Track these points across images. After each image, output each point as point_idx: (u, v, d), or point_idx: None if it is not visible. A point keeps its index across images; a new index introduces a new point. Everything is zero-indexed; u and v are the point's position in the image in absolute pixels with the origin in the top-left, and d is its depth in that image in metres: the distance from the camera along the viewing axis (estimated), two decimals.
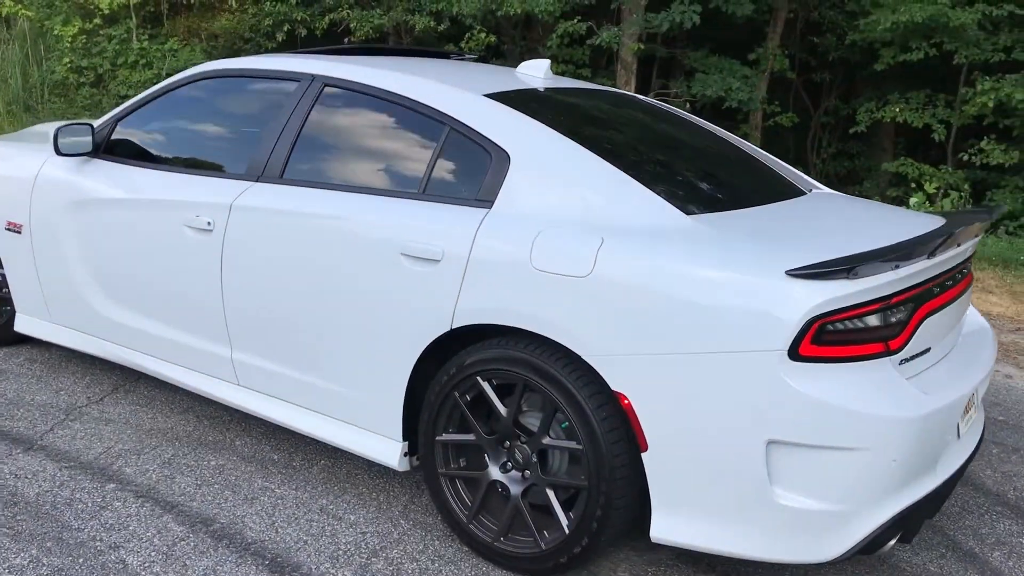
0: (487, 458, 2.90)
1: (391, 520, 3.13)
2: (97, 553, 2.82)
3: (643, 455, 2.58)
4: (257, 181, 3.37)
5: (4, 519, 2.97)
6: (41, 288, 4.06)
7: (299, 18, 11.97)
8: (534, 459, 2.80)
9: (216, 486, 3.28)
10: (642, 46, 11.96)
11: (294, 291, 3.19)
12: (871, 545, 2.53)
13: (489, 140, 2.96)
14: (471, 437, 2.91)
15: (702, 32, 11.86)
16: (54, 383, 4.12)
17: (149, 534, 2.94)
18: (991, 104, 9.30)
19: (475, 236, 2.80)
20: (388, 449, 3.10)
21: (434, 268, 2.87)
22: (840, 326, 2.41)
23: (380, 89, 3.25)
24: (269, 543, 2.93)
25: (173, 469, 3.38)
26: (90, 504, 3.10)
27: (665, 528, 2.61)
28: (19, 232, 4.05)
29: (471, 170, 2.98)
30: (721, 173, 3.42)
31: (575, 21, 11.51)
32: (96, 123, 3.93)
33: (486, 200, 2.90)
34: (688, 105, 13.30)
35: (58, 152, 3.74)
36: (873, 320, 2.47)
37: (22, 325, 4.21)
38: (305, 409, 3.30)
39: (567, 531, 2.72)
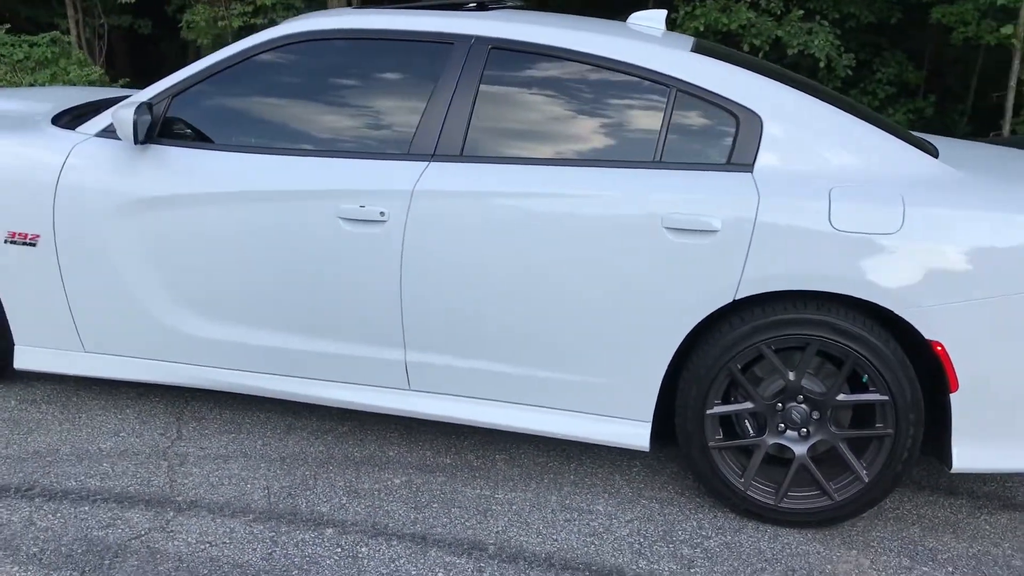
0: (762, 424, 2.90)
1: (643, 503, 3.02)
2: None
3: (952, 395, 2.76)
4: (432, 160, 2.96)
5: None
6: (72, 313, 3.21)
7: None
8: (814, 417, 2.86)
9: (435, 505, 2.92)
10: None
11: (513, 281, 2.89)
12: None
13: (732, 102, 2.87)
14: (749, 405, 2.88)
15: None
16: (99, 426, 3.31)
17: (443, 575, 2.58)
18: None
19: (758, 201, 2.74)
20: (637, 432, 2.97)
21: (710, 239, 2.76)
22: None
23: (571, 51, 2.98)
24: (562, 552, 2.71)
25: (368, 497, 2.94)
26: (336, 556, 2.63)
27: (967, 458, 2.81)
28: (32, 245, 3.14)
29: (713, 134, 2.87)
30: (881, 125, 3.48)
31: None
32: (134, 97, 3.14)
33: (742, 164, 2.83)
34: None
35: (136, 140, 2.95)
36: None
37: (27, 361, 3.31)
38: (532, 407, 3.02)
39: (866, 480, 2.84)
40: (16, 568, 2.47)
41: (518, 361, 2.98)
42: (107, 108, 3.56)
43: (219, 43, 13.58)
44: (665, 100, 2.91)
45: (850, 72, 12.56)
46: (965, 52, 13.78)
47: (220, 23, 13.01)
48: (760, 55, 11.79)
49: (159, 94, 3.14)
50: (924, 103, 13.86)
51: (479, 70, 3.01)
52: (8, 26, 12.76)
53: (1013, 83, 12.04)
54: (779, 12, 13.24)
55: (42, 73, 12.51)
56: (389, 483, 3.06)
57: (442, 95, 3.00)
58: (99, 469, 3.02)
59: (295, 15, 12.88)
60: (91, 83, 12.68)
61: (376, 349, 3.07)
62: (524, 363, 2.98)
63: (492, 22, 3.08)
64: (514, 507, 2.95)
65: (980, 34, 12.19)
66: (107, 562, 2.53)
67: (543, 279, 2.88)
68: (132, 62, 15.13)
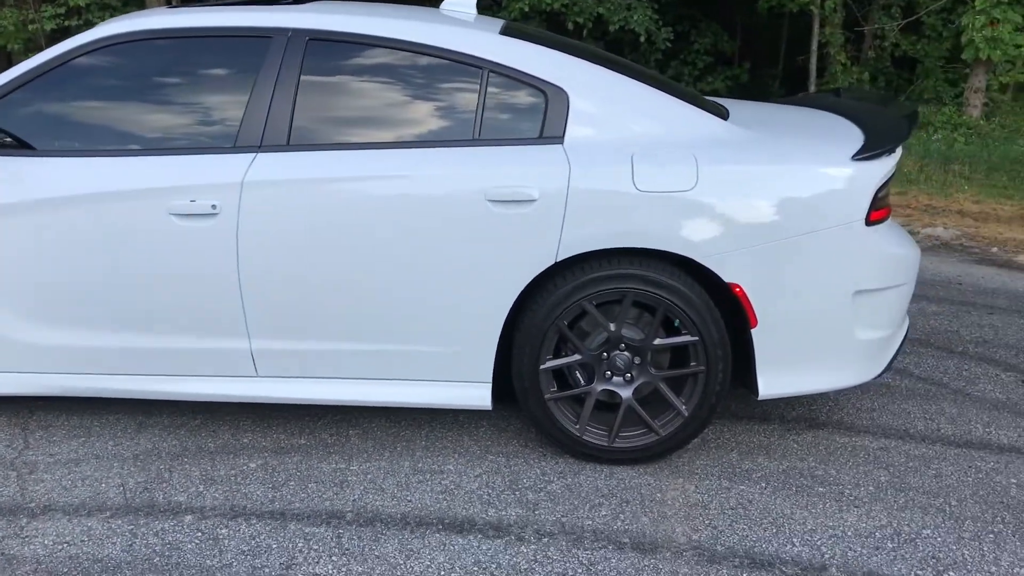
0: (591, 373, 3.16)
1: (490, 458, 3.23)
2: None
3: (752, 331, 3.09)
4: (260, 151, 3.05)
5: None
6: None
7: None
8: (636, 362, 3.14)
9: (292, 483, 3.04)
10: None
11: (350, 262, 3.02)
12: (889, 365, 3.35)
13: (540, 79, 3.09)
14: (577, 357, 3.13)
15: None
16: None
17: (313, 548, 2.71)
18: None
19: (569, 170, 2.97)
20: (480, 394, 3.17)
21: (530, 208, 2.98)
22: (880, 194, 3.13)
23: (386, 39, 3.13)
24: (416, 511, 2.88)
25: (224, 483, 3.03)
26: (197, 539, 2.71)
27: (770, 385, 3.16)
28: None
29: (525, 110, 3.09)
30: (676, 93, 3.77)
31: None
32: None
33: (553, 137, 3.06)
34: None
35: None
36: (884, 189, 3.23)
37: None
38: (377, 380, 3.17)
39: (686, 414, 3.14)
40: None
41: (359, 338, 3.13)
42: None
43: (31, 47, 12.95)
44: (478, 81, 3.11)
45: (669, 44, 13.20)
46: (773, 20, 14.69)
47: (31, 26, 12.41)
48: (584, 32, 12.24)
49: None
50: (739, 70, 14.70)
51: (299, 62, 3.12)
52: None
53: (815, 47, 12.96)
54: None
55: None
56: (245, 468, 3.15)
57: (264, 88, 3.10)
58: None
59: (112, 16, 12.43)
60: None
61: (221, 340, 3.15)
62: (365, 340, 3.13)
63: (308, 14, 3.19)
64: (369, 476, 3.11)
65: (783, 2, 13.05)
66: None
67: (376, 258, 3.03)
68: None
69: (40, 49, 12.74)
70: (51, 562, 2.60)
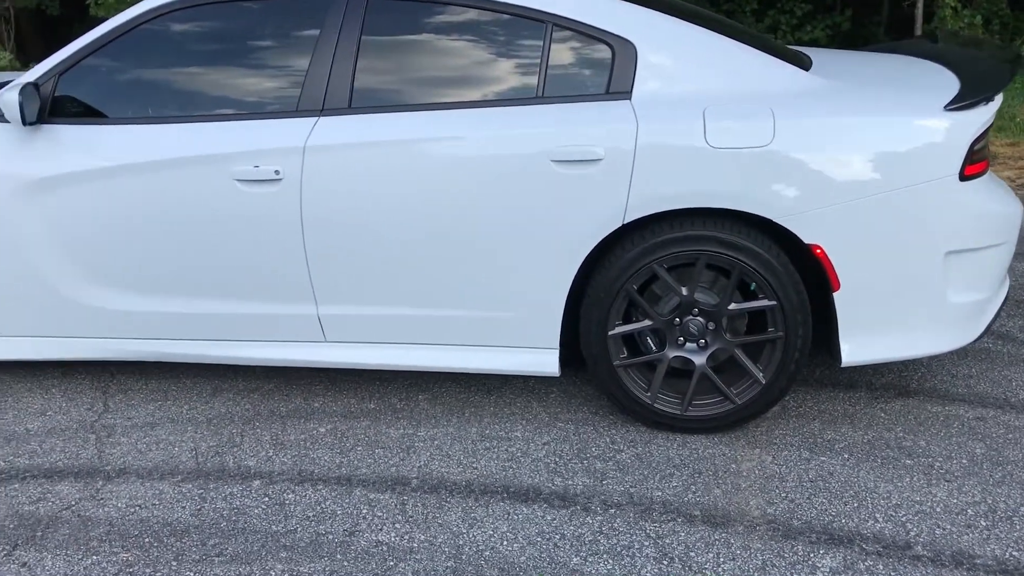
0: (663, 339, 3.04)
1: (559, 425, 3.16)
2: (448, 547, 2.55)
3: (835, 295, 2.92)
4: (321, 115, 3.01)
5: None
6: None
7: None
8: (710, 327, 3.01)
9: (360, 449, 3.03)
10: None
11: (414, 226, 2.97)
12: (987, 329, 3.12)
13: (607, 32, 2.95)
14: (648, 323, 3.02)
15: None
16: (24, 407, 3.35)
17: (386, 518, 2.70)
18: None
19: (637, 127, 2.84)
20: (547, 360, 3.09)
21: (596, 167, 2.86)
22: (976, 147, 2.89)
23: None
24: (481, 478, 2.84)
25: (293, 447, 3.04)
26: (264, 504, 2.73)
27: (854, 352, 2.98)
28: None
29: (591, 65, 2.96)
30: (755, 43, 3.54)
31: None
32: (26, 78, 3.14)
33: (620, 92, 2.93)
34: None
35: (25, 122, 2.96)
36: (981, 141, 2.99)
37: None
38: (443, 346, 3.13)
39: (763, 381, 3.00)
40: None
41: (426, 303, 3.08)
42: None
43: None
44: (542, 36, 2.99)
45: None
46: None
47: None
48: None
49: (45, 73, 3.14)
50: (841, 18, 14.03)
51: (359, 22, 3.06)
52: None
53: None
54: None
55: None
56: (314, 432, 3.16)
57: (325, 49, 3.05)
58: (27, 448, 3.08)
59: None
60: (1, 69, 12.36)
61: (289, 305, 3.15)
62: (431, 305, 3.08)
63: None
64: (435, 442, 3.08)
65: None
66: (39, 533, 2.61)
67: (441, 222, 2.97)
68: (44, 45, 14.68)
69: None
70: (123, 524, 2.65)
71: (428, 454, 3.01)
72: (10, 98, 2.95)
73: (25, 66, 12.90)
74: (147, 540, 2.58)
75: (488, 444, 3.06)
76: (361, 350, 3.20)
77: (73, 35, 17.04)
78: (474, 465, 2.94)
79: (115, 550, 2.53)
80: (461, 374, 3.56)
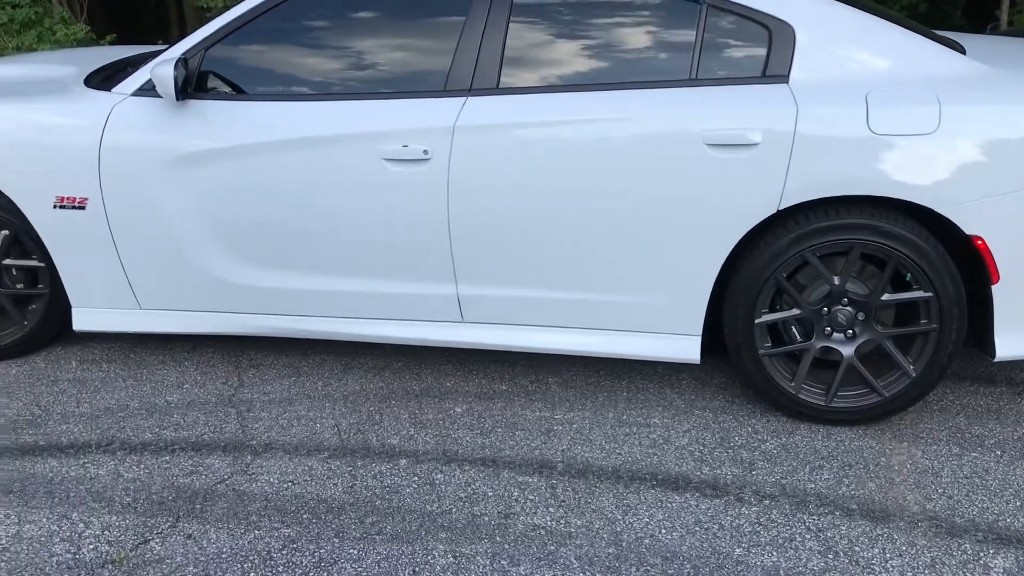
0: (809, 329, 2.99)
1: (696, 413, 3.13)
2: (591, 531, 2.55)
3: (993, 287, 2.84)
4: (470, 95, 2.99)
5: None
6: (125, 272, 3.28)
7: None
8: (859, 318, 2.95)
9: (500, 430, 3.03)
10: None
11: (560, 208, 2.95)
12: None
13: (764, 13, 2.88)
14: (796, 312, 2.97)
15: None
16: (161, 380, 3.40)
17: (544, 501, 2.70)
18: None
19: (796, 111, 2.78)
20: (688, 346, 3.06)
21: (751, 152, 2.81)
22: None
23: None
24: (627, 464, 2.82)
25: (433, 427, 3.05)
26: (415, 484, 2.74)
27: (1010, 347, 2.91)
28: (81, 208, 3.20)
29: (747, 47, 2.90)
30: (907, 27, 3.40)
31: None
32: (167, 54, 3.16)
33: (778, 75, 2.86)
34: None
35: (177, 97, 2.98)
36: None
37: (85, 322, 3.39)
38: (582, 329, 3.11)
39: (913, 375, 2.93)
40: (114, 518, 2.59)
41: (568, 286, 3.06)
42: (135, 67, 3.58)
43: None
44: (696, 16, 2.93)
45: None
46: None
47: None
48: None
49: (192, 48, 3.15)
50: None
51: (509, 1, 3.02)
52: None
53: None
54: None
55: (28, 34, 12.33)
56: (451, 412, 3.17)
57: (474, 29, 3.02)
58: (171, 421, 3.12)
59: None
60: (79, 42, 12.52)
61: (428, 285, 3.15)
62: (574, 288, 3.06)
63: None
64: (574, 426, 3.07)
65: None
66: (198, 506, 2.65)
67: (588, 204, 2.94)
68: (110, 18, 14.81)
69: None
70: (279, 500, 2.68)
71: (569, 438, 2.99)
72: (164, 73, 2.96)
73: (100, 38, 13.04)
74: (305, 516, 2.60)
75: (628, 430, 3.04)
76: (499, 331, 3.19)
77: (137, 7, 17.16)
78: (617, 451, 2.92)
79: (275, 525, 2.56)
80: (590, 358, 3.54)
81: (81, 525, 2.56)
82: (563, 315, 3.11)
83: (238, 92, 3.16)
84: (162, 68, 2.97)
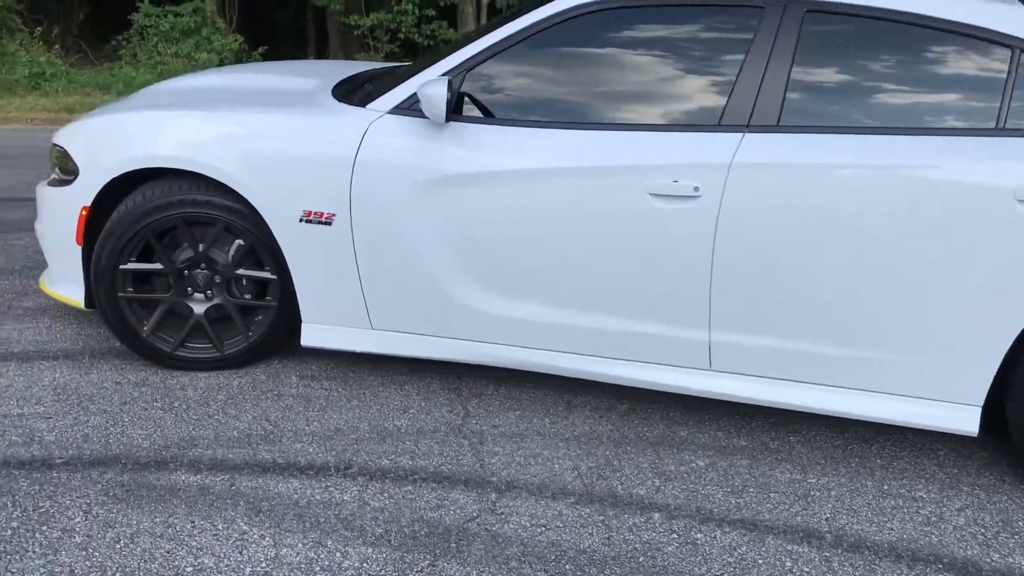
0: None
1: (965, 489, 2.88)
2: None
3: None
4: (747, 131, 2.83)
5: None
6: (363, 290, 3.21)
7: None
8: None
9: (752, 490, 2.84)
10: None
11: (838, 257, 2.76)
12: None
13: None
14: None
15: None
16: (385, 403, 3.30)
17: (782, 564, 2.50)
18: None
19: None
20: (966, 416, 2.82)
21: None
22: None
23: (898, 12, 2.80)
24: (904, 542, 2.59)
25: (679, 479, 2.87)
26: (675, 542, 2.57)
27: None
28: (327, 224, 3.15)
29: None
30: None
31: None
32: (426, 74, 3.10)
33: None
34: None
35: (447, 118, 2.91)
36: None
37: (314, 338, 3.34)
38: (844, 388, 2.91)
39: None
40: (370, 549, 2.49)
41: (836, 341, 2.86)
42: (375, 83, 3.55)
43: (352, 7, 13.63)
44: (1006, 61, 2.72)
45: None
46: None
47: None
48: None
49: (454, 68, 3.08)
50: None
51: (794, 35, 2.86)
52: None
53: None
54: None
55: (186, 42, 12.80)
56: (694, 465, 2.99)
57: (755, 63, 2.87)
58: (404, 447, 3.02)
59: None
60: (234, 52, 12.90)
61: (678, 328, 2.99)
62: (843, 343, 2.85)
63: None
64: (832, 492, 2.85)
65: None
66: (454, 545, 2.52)
67: (873, 255, 2.74)
68: (251, 31, 15.17)
69: (360, 11, 13.43)
70: (536, 546, 2.54)
71: (830, 506, 2.78)
72: (435, 93, 2.88)
73: (254, 49, 13.40)
74: (567, 567, 2.45)
75: (894, 502, 2.81)
76: (748, 383, 3.00)
77: (273, 20, 17.63)
78: (888, 525, 2.69)
79: (538, 574, 2.42)
80: (831, 417, 3.30)
81: (339, 555, 2.46)
82: (825, 371, 2.91)
83: (498, 115, 3.07)
84: (432, 88, 2.89)
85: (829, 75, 2.84)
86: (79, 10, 16.22)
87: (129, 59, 12.53)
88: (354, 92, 3.49)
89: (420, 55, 13.68)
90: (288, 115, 3.21)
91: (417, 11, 12.79)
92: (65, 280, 3.51)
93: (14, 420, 3.09)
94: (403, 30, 13.02)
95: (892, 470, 2.99)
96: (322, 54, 16.05)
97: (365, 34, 13.34)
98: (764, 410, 3.35)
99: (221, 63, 12.38)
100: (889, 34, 2.82)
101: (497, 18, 3.40)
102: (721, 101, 2.89)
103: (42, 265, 4.52)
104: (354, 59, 13.78)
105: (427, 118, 3.01)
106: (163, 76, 11.79)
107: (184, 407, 3.22)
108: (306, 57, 16.53)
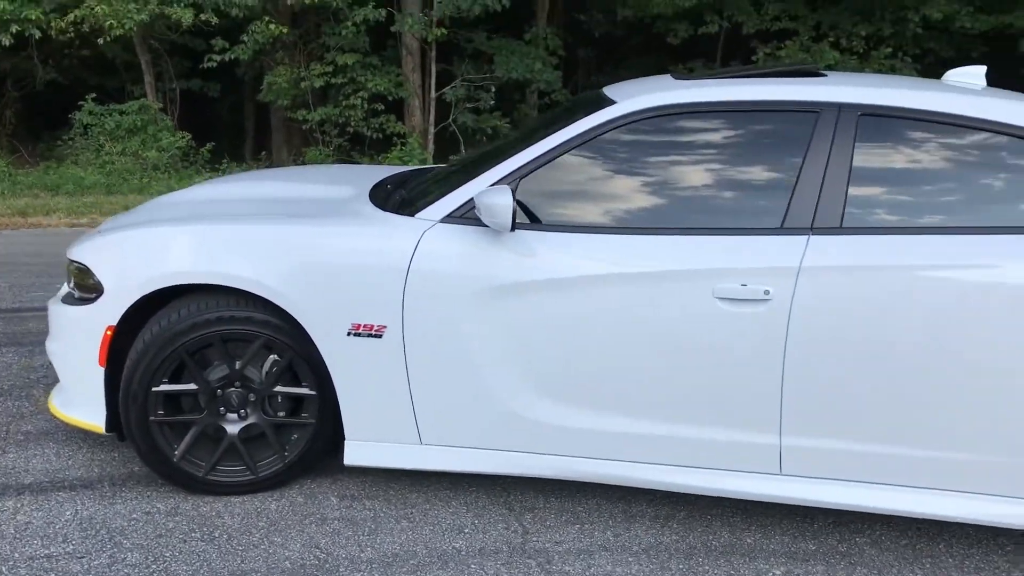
0: None
1: None
2: None
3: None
4: (812, 234, 2.84)
5: None
6: (413, 405, 3.08)
7: (32, 17, 11.42)
8: None
9: None
10: (444, 31, 12.21)
11: (917, 359, 2.76)
12: None
13: None
14: None
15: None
16: (435, 522, 3.13)
17: None
18: None
19: None
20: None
21: None
22: None
23: (950, 115, 2.88)
24: None
25: None
26: None
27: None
28: (377, 336, 3.03)
29: None
30: None
31: (371, 7, 11.90)
32: (480, 180, 3.05)
33: None
34: (492, 90, 13.43)
35: (512, 228, 2.85)
36: None
37: (358, 456, 3.17)
38: (918, 488, 2.88)
39: None
40: None
41: (913, 443, 2.84)
42: (409, 188, 3.48)
43: (299, 103, 13.60)
44: None
45: None
46: None
47: (302, 84, 13.07)
48: None
49: (506, 176, 3.04)
50: None
51: (851, 138, 2.91)
52: (94, 95, 12.84)
53: None
54: (861, 51, 13.25)
55: (132, 140, 12.56)
56: (772, 575, 2.90)
57: (815, 165, 2.90)
58: (470, 572, 2.86)
59: (374, 75, 12.91)
60: (181, 150, 12.68)
61: (747, 433, 2.94)
62: (919, 445, 2.83)
63: (857, 88, 2.99)
64: None
65: None
66: None
67: (945, 355, 2.75)
68: (189, 125, 15.00)
69: (308, 106, 13.41)
70: None
71: None
72: (499, 202, 2.83)
73: (201, 146, 13.18)
74: None
75: None
76: (820, 486, 2.95)
77: (216, 114, 17.53)
78: None
79: None
80: (893, 516, 3.26)
81: None
82: (899, 472, 2.88)
83: (553, 222, 3.02)
84: (494, 197, 2.84)
85: (887, 177, 2.88)
86: (8, 109, 15.87)
87: (73, 158, 12.22)
88: (390, 198, 3.42)
89: (368, 148, 13.72)
90: (335, 226, 3.11)
91: (366, 105, 12.83)
92: (82, 404, 3.29)
93: (43, 563, 2.84)
94: (352, 124, 13.02)
95: (965, 570, 2.95)
96: (263, 148, 15.93)
97: (313, 128, 13.30)
98: (824, 511, 3.30)
99: (168, 161, 12.19)
100: (947, 137, 2.88)
101: (541, 118, 3.36)
102: (782, 203, 2.90)
103: (32, 384, 4.28)
104: (302, 152, 13.71)
105: (484, 226, 2.96)
106: (111, 175, 11.53)
107: (226, 537, 3.01)
108: (246, 152, 16.40)
